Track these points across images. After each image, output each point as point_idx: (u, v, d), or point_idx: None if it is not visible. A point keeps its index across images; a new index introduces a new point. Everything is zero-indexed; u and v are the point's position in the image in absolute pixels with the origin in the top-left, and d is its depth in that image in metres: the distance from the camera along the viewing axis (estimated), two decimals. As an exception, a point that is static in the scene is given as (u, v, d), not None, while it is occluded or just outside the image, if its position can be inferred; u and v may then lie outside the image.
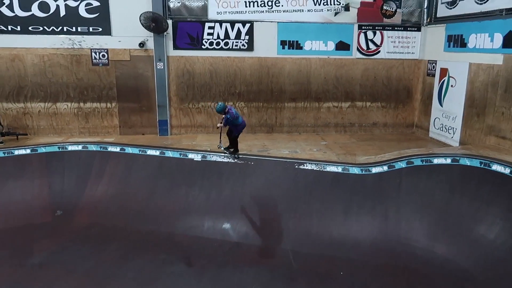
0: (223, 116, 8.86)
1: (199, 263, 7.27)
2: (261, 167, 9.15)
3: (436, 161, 8.11)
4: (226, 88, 11.51)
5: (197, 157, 9.57)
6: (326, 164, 8.87)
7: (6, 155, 9.70)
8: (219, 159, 9.40)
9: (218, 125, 9.14)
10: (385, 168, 8.47)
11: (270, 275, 6.93)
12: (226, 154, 9.35)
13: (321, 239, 7.78)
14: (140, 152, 9.91)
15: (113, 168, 9.80)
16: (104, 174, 9.69)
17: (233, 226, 8.34)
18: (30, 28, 10.56)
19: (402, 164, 8.37)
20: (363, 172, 8.54)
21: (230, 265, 7.18)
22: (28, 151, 9.88)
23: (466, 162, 7.76)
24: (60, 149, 10.08)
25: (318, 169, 8.86)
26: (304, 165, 8.95)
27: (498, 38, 8.70)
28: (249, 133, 11.51)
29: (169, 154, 9.77)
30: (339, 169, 8.75)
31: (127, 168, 9.77)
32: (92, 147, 10.15)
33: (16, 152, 9.80)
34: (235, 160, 9.21)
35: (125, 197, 9.25)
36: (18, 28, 10.54)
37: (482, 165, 7.55)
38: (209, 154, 9.53)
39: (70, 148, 10.13)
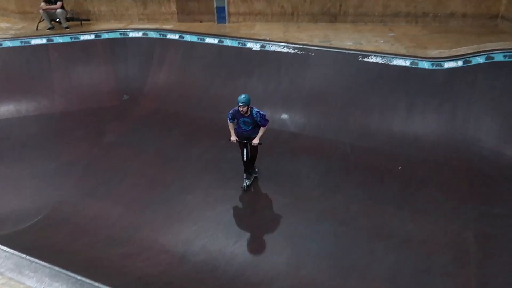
0: (245, 118, 6.17)
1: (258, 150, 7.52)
2: (322, 58, 8.74)
3: (522, 56, 7.24)
4: (287, -28, 10.54)
5: (255, 46, 9.29)
6: (393, 57, 8.26)
7: (72, 40, 10.00)
8: (278, 49, 9.07)
9: (256, 140, 6.24)
10: (460, 63, 7.75)
11: (326, 166, 7.09)
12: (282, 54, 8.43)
13: (380, 134, 7.64)
14: (199, 40, 9.79)
15: (173, 55, 9.87)
16: (164, 61, 9.83)
17: (291, 117, 8.37)
18: None
19: (480, 59, 7.59)
20: (434, 67, 7.91)
21: (288, 154, 7.40)
22: (93, 36, 10.10)
23: (559, 58, 6.87)
24: (122, 36, 10.20)
25: (383, 62, 8.31)
26: (368, 58, 8.41)
27: None
28: (311, 23, 10.81)
29: (228, 42, 9.56)
30: (407, 63, 8.15)
31: (186, 56, 9.80)
32: (152, 34, 10.15)
33: (82, 38, 10.06)
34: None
35: (185, 85, 9.46)
36: None
37: None
38: (268, 44, 9.20)
39: (131, 34, 10.21)
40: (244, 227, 5.80)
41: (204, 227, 5.76)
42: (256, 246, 5.45)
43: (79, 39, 10.05)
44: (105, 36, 10.14)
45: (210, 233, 5.67)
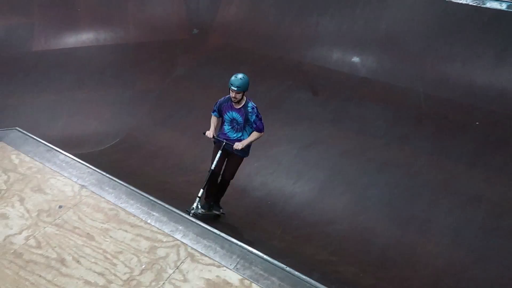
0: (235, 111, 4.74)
1: (324, 93, 7.36)
2: (403, -3, 8.01)
3: None
4: None
5: (332, -19, 8.69)
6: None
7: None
8: (356, -15, 8.42)
9: (240, 146, 4.64)
10: None
11: (395, 115, 6.77)
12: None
13: (460, 85, 7.03)
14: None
15: (245, -11, 9.59)
16: (236, -5, 9.60)
17: (363, 60, 7.94)
18: None
19: None
20: (537, 12, 6.93)
21: (355, 99, 7.15)
22: (167, -34, 10.03)
23: None
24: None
25: (474, 4, 7.41)
26: (458, -1, 7.56)
27: None
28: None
29: (304, -23, 9.02)
30: (502, 6, 7.19)
31: (257, -10, 9.48)
32: (224, -35, 9.85)
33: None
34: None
35: (255, 20, 9.24)
36: None
37: None
38: (347, -21, 8.55)
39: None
40: (304, 169, 5.85)
41: (265, 165, 5.92)
42: (315, 188, 5.52)
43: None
44: (178, -34, 10.02)
45: (270, 170, 5.82)
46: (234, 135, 4.77)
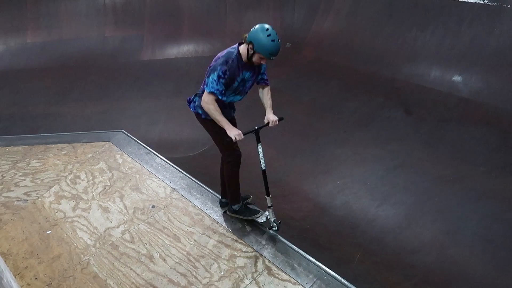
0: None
1: (418, 112, 6.95)
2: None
3: None
4: None
5: (435, -6, 8.21)
6: None
7: (248, -15, 10.48)
8: (463, -1, 7.84)
9: (240, 136, 3.91)
10: None
11: (500, 141, 6.11)
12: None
13: None
14: (376, -14, 9.12)
15: (340, 2, 9.50)
16: (331, 8, 9.56)
17: (466, 79, 7.34)
18: None
19: None
20: None
21: (454, 121, 6.62)
22: (264, -19, 10.39)
23: None
24: (293, -20, 10.22)
25: None
26: None
27: None
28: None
29: (403, -11, 8.67)
30: None
31: (354, 4, 9.32)
32: (323, -21, 9.89)
33: (255, -18, 10.44)
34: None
35: (350, 35, 9.09)
36: None
37: None
38: (452, -8, 8.01)
39: (302, -20, 10.14)
40: (391, 192, 5.56)
41: (348, 184, 5.77)
42: (401, 214, 5.21)
43: (251, -17, 10.46)
44: (276, -19, 10.32)
45: (354, 190, 5.65)
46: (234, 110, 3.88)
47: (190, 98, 3.90)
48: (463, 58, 7.56)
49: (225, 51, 3.66)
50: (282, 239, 4.10)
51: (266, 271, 3.69)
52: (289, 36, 9.78)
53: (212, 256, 3.89)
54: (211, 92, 3.54)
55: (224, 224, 4.29)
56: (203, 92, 3.63)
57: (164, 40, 9.76)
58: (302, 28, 9.79)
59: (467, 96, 7.08)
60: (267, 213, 4.09)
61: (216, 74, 3.51)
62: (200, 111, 3.79)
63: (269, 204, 4.07)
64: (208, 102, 3.57)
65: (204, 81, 3.67)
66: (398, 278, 4.43)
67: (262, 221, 4.13)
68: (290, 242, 4.10)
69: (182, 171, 5.15)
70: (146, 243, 4.10)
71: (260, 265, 3.76)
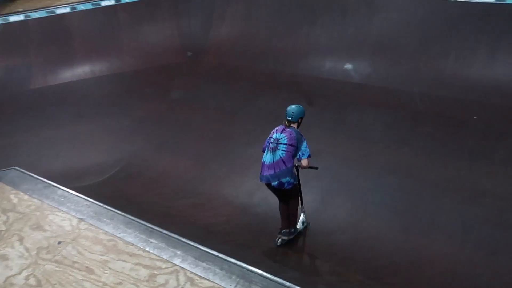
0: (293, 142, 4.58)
1: (320, 103, 7.35)
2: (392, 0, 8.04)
3: None
4: None
5: (318, -8, 8.78)
6: (476, -7, 7.32)
7: (136, -1, 10.25)
8: (343, -7, 8.49)
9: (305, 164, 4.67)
10: (559, -7, 6.64)
11: (393, 116, 6.74)
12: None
13: (456, 81, 6.97)
14: (258, -11, 9.48)
15: (234, 8, 9.73)
16: (226, 15, 9.74)
17: (356, 67, 7.94)
18: None
19: None
20: (525, 1, 6.88)
21: (351, 106, 7.13)
22: (155, -7, 10.25)
23: None
24: (183, -10, 10.21)
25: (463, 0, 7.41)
26: (446, -4, 7.55)
27: None
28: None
29: (286, -11, 9.13)
30: (491, -1, 7.18)
31: (247, 8, 9.61)
32: (212, -13, 10.03)
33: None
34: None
35: (247, 38, 9.35)
36: None
37: None
38: (332, -12, 8.63)
39: (192, -12, 10.18)
40: (305, 180, 5.78)
41: (265, 180, 5.88)
42: (316, 199, 5.46)
43: (142, -4, 10.25)
44: (167, -8, 10.23)
45: (272, 186, 5.78)
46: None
47: (280, 184, 4.55)
48: (351, 47, 8.18)
49: (294, 133, 4.63)
50: (201, 247, 4.04)
51: (189, 283, 3.59)
52: (188, 45, 9.76)
53: (130, 281, 3.69)
54: (309, 156, 4.62)
55: (139, 244, 4.11)
56: (284, 162, 4.52)
57: (56, 64, 9.12)
58: (201, 36, 9.83)
59: (359, 82, 7.68)
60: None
61: (305, 142, 4.65)
62: (293, 181, 4.64)
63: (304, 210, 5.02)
64: (308, 163, 4.63)
65: (279, 152, 4.56)
66: (320, 261, 4.62)
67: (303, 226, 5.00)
68: (211, 248, 4.05)
69: (89, 198, 4.82)
70: (55, 284, 3.75)
71: (182, 278, 3.66)
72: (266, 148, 4.74)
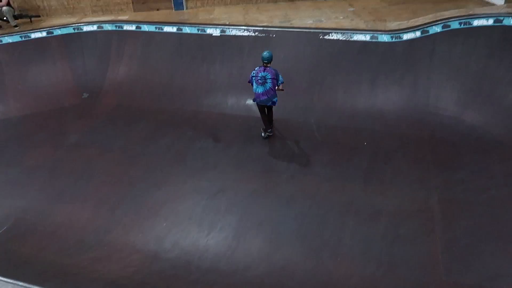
0: (267, 74, 6.68)
1: (225, 138, 7.47)
2: (283, 39, 8.65)
3: (476, 23, 7.36)
4: (242, -49, 10.30)
5: (216, 32, 9.10)
6: (353, 33, 8.26)
7: (23, 39, 9.54)
8: (239, 33, 8.91)
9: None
10: (418, 33, 7.81)
11: (294, 147, 7.11)
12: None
13: (345, 110, 7.69)
14: (157, 30, 9.50)
15: (131, 47, 9.56)
16: (123, 54, 9.52)
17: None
18: None
19: (437, 29, 7.68)
20: (393, 40, 7.95)
21: (255, 139, 7.36)
22: (44, 34, 9.65)
23: (511, 22, 7.00)
24: (76, 31, 9.79)
25: (344, 38, 8.30)
26: (329, 35, 8.39)
27: None
28: (270, 3, 10.67)
29: (187, 30, 9.32)
30: (367, 37, 8.16)
31: (145, 47, 9.52)
32: (108, 27, 9.78)
33: (33, 36, 9.60)
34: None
35: (147, 77, 9.22)
36: None
37: (529, 24, 6.81)
38: (228, 28, 9.02)
39: (86, 28, 9.80)
40: (216, 218, 5.76)
41: (175, 222, 5.71)
42: (228, 236, 5.43)
43: (30, 37, 9.59)
44: (57, 32, 9.71)
45: (182, 227, 5.62)
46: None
47: (272, 103, 6.92)
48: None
49: (273, 70, 6.73)
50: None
51: None
52: (83, 86, 9.28)
53: None
54: (283, 82, 6.90)
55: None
56: (272, 89, 6.79)
57: None
58: (97, 77, 9.42)
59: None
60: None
61: (280, 74, 6.83)
62: (276, 99, 6.94)
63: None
64: (283, 86, 6.94)
65: (267, 84, 6.74)
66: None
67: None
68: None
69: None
70: None
71: None
72: (255, 83, 6.81)
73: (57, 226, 5.91)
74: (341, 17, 9.22)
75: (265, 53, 6.70)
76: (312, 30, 8.54)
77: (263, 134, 7.40)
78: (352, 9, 9.92)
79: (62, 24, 9.87)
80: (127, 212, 6.02)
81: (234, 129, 7.69)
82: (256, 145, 7.22)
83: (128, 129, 8.06)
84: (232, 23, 9.18)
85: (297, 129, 7.53)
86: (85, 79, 9.36)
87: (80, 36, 9.75)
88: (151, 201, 6.18)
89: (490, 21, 7.23)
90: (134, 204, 6.14)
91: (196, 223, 5.66)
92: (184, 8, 10.83)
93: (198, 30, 9.25)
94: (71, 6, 10.75)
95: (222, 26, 9.11)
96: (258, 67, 6.81)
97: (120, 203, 6.20)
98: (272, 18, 9.41)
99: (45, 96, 9.11)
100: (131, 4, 10.82)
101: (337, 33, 8.34)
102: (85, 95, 9.20)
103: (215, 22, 9.34)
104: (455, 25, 7.57)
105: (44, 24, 10.14)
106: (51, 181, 6.83)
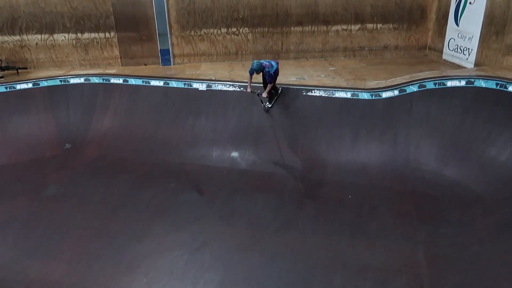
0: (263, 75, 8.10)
1: (209, 190, 7.39)
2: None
3: (449, 83, 7.80)
4: (229, 13, 10.88)
5: (202, 86, 9.33)
6: (335, 90, 8.60)
7: (8, 90, 9.53)
8: (224, 88, 9.16)
9: (264, 94, 8.10)
10: (396, 92, 8.20)
11: (278, 202, 7.05)
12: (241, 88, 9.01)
13: (329, 165, 7.79)
14: (144, 83, 9.69)
15: (117, 100, 9.66)
16: (109, 106, 9.58)
17: (241, 154, 8.35)
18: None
19: (413, 88, 8.09)
20: (373, 97, 8.31)
21: (240, 192, 7.31)
22: (30, 85, 9.68)
23: (482, 83, 7.46)
24: (62, 82, 9.87)
25: (326, 95, 8.62)
26: (311, 92, 8.70)
27: None
28: (255, 61, 11.12)
29: (173, 84, 9.53)
30: (348, 94, 8.50)
31: (131, 100, 9.62)
32: (95, 79, 9.92)
33: (18, 87, 9.62)
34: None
35: (132, 129, 9.22)
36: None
37: (498, 86, 7.26)
38: (214, 83, 9.27)
39: (72, 81, 9.91)
40: (199, 273, 5.53)
41: (156, 278, 5.44)
42: (212, 293, 5.19)
43: (15, 88, 9.59)
44: (43, 84, 9.75)
45: (163, 283, 5.36)
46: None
47: (270, 75, 8.00)
48: (235, 136, 8.66)
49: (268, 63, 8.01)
50: None
51: None
52: (66, 137, 9.18)
53: None
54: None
55: None
56: (272, 71, 7.99)
57: None
58: (81, 128, 9.37)
59: (245, 168, 8.03)
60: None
61: (274, 62, 8.08)
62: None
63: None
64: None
65: (268, 68, 7.97)
66: None
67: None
68: None
69: None
70: None
71: None
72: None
73: (28, 284, 5.54)
74: (323, 76, 9.64)
75: (254, 65, 7.74)
76: (295, 87, 8.86)
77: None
78: (332, 68, 10.43)
79: (48, 76, 9.96)
80: (105, 267, 5.72)
81: (218, 182, 7.64)
82: (241, 198, 7.14)
83: (110, 181, 7.90)
84: (218, 79, 9.46)
85: (282, 183, 7.54)
86: (68, 130, 9.29)
87: (66, 87, 9.82)
88: (131, 255, 5.91)
89: (463, 82, 7.69)
90: (113, 259, 5.86)
91: (178, 279, 5.41)
92: (171, 64, 11.16)
93: (184, 84, 9.47)
94: (60, 59, 10.92)
95: (208, 81, 9.36)
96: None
97: (97, 257, 5.91)
98: (257, 75, 9.74)
99: (25, 147, 8.94)
100: (119, 59, 11.09)
101: (319, 90, 8.68)
102: (68, 145, 9.08)
103: (201, 77, 9.61)
104: (430, 85, 8.01)
105: (30, 76, 10.22)
106: (25, 236, 6.49)
